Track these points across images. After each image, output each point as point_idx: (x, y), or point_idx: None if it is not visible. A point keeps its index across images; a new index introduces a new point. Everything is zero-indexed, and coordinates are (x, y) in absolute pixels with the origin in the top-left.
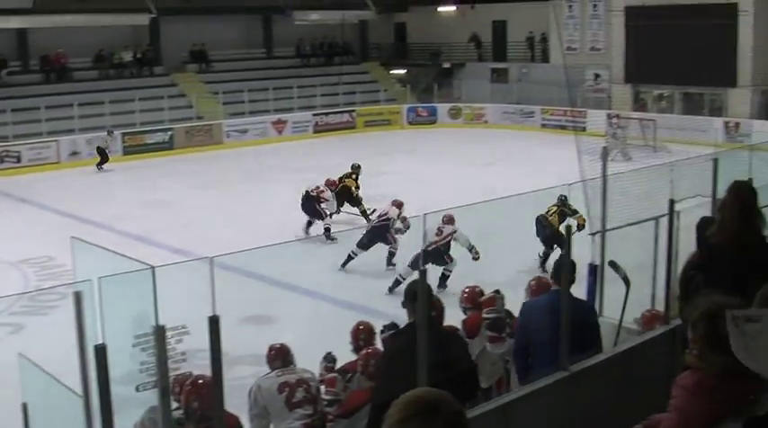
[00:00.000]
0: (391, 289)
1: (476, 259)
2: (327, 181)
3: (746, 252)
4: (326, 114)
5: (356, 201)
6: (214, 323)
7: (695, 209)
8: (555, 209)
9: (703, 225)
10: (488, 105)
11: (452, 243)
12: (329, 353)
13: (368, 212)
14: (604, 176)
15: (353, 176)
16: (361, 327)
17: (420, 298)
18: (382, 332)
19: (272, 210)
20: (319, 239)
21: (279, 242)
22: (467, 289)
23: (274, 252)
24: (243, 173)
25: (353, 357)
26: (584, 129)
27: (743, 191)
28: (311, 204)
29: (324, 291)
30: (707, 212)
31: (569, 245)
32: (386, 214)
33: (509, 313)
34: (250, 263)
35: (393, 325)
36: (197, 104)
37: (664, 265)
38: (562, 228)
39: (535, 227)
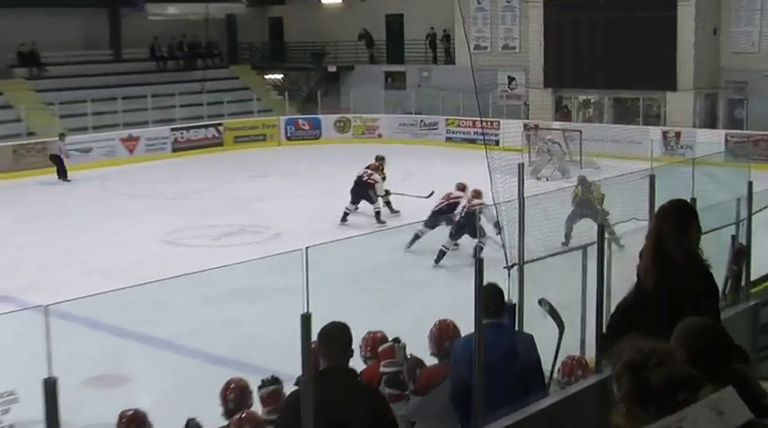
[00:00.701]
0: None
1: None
2: (371, 166)
3: (677, 287)
4: (188, 129)
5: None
6: (50, 386)
7: (630, 234)
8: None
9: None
10: (382, 116)
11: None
12: (192, 420)
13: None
14: (521, 198)
15: (380, 168)
16: (231, 386)
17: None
18: (260, 387)
19: (122, 246)
20: (187, 277)
21: (130, 285)
22: (367, 335)
23: (126, 296)
24: (85, 202)
25: (224, 422)
26: (497, 143)
27: (677, 212)
28: (362, 189)
29: (188, 343)
30: (643, 238)
31: (481, 275)
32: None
33: (419, 362)
34: (96, 310)
35: (274, 380)
36: (27, 118)
37: (594, 303)
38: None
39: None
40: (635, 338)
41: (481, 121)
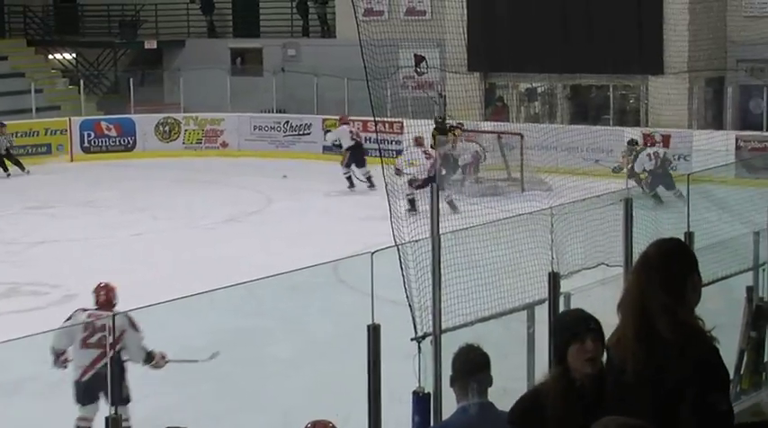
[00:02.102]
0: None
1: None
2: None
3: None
4: None
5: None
6: None
7: (596, 288)
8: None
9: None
10: (228, 116)
11: None
12: None
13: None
14: (435, 236)
15: None
16: None
17: None
18: None
19: None
20: None
21: None
22: (309, 425)
23: None
24: None
25: None
26: (398, 153)
27: (668, 263)
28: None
29: None
30: (616, 293)
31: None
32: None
33: None
34: None
35: None
36: None
37: None
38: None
39: None
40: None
41: (375, 123)
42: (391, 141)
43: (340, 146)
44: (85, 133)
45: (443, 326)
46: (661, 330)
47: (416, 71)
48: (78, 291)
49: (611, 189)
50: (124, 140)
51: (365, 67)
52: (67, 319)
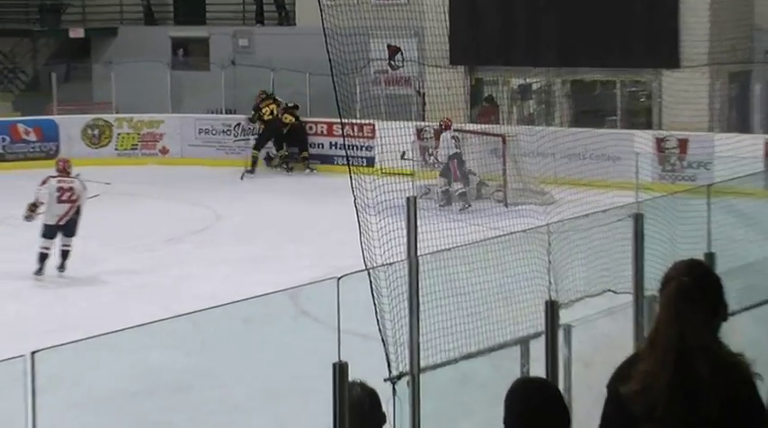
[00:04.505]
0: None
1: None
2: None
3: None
4: None
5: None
6: None
7: (602, 319)
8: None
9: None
10: (169, 117)
11: None
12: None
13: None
14: (413, 258)
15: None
16: None
17: None
18: None
19: None
20: None
21: None
22: None
23: None
24: None
25: None
26: (369, 163)
27: (711, 289)
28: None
29: None
30: (625, 325)
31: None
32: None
33: None
34: None
35: None
36: None
37: None
38: None
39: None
40: None
41: (342, 125)
42: (361, 147)
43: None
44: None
45: (422, 364)
46: (702, 372)
47: (390, 65)
48: None
49: (617, 202)
50: (45, 146)
51: (330, 60)
52: (43, 183)
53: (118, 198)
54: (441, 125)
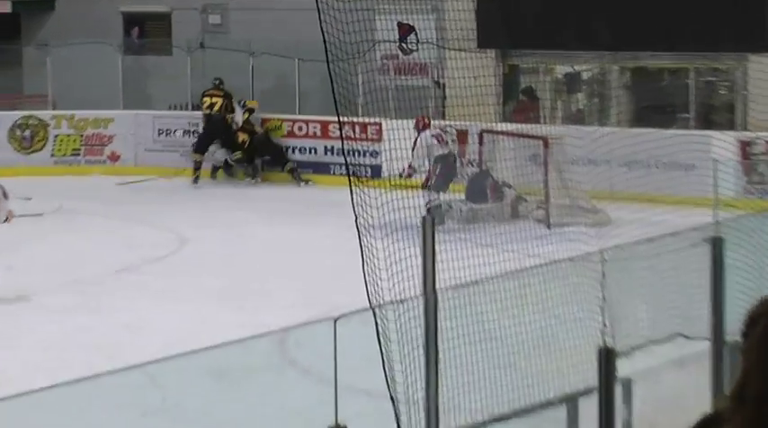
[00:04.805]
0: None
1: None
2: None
3: None
4: None
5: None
6: None
7: (670, 371)
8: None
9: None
10: (120, 114)
11: None
12: None
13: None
14: (430, 294)
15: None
16: None
17: None
18: None
19: None
20: None
21: None
22: None
23: None
24: None
25: None
26: (373, 173)
27: None
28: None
29: None
30: (699, 378)
31: None
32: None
33: None
34: None
35: None
36: None
37: None
38: None
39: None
40: None
41: (340, 125)
42: (364, 152)
43: None
44: None
45: (453, 424)
46: None
47: (402, 48)
48: None
49: (691, 223)
50: None
51: (325, 43)
52: None
53: (54, 218)
54: (417, 125)
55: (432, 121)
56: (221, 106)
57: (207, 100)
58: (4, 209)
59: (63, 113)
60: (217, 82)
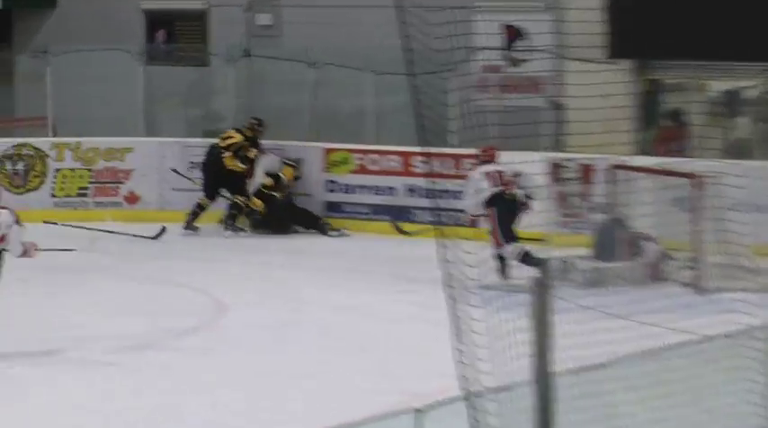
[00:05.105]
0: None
1: None
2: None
3: None
4: None
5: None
6: None
7: None
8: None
9: None
10: (141, 142)
11: None
12: None
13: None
14: (543, 378)
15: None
16: None
17: None
18: None
19: None
20: None
21: None
22: None
23: None
24: None
25: None
26: (469, 223)
27: None
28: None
29: None
30: None
31: None
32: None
33: None
34: None
35: None
36: None
37: None
38: None
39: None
40: None
41: (426, 157)
42: (457, 193)
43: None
44: None
45: None
46: None
47: (509, 59)
48: None
49: None
50: None
51: (405, 51)
52: None
53: (56, 277)
54: (481, 158)
55: (499, 153)
56: (233, 146)
57: (230, 132)
58: (16, 240)
59: (66, 141)
60: (255, 122)
